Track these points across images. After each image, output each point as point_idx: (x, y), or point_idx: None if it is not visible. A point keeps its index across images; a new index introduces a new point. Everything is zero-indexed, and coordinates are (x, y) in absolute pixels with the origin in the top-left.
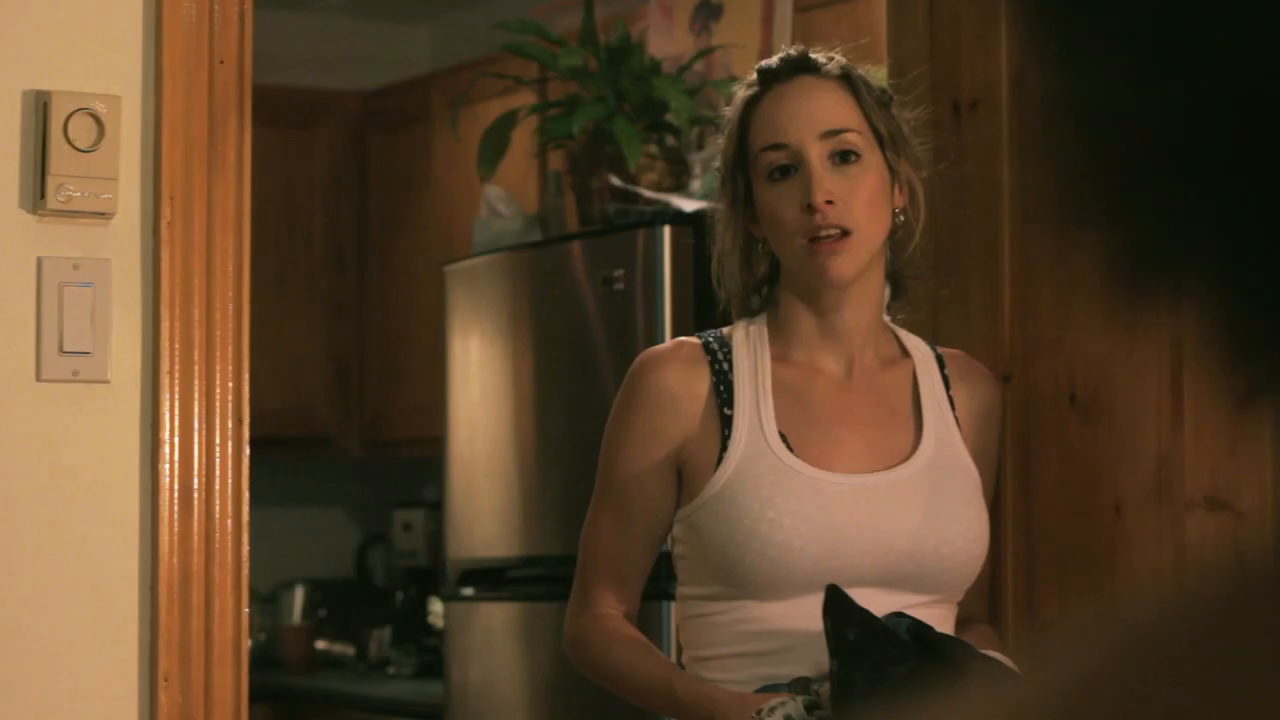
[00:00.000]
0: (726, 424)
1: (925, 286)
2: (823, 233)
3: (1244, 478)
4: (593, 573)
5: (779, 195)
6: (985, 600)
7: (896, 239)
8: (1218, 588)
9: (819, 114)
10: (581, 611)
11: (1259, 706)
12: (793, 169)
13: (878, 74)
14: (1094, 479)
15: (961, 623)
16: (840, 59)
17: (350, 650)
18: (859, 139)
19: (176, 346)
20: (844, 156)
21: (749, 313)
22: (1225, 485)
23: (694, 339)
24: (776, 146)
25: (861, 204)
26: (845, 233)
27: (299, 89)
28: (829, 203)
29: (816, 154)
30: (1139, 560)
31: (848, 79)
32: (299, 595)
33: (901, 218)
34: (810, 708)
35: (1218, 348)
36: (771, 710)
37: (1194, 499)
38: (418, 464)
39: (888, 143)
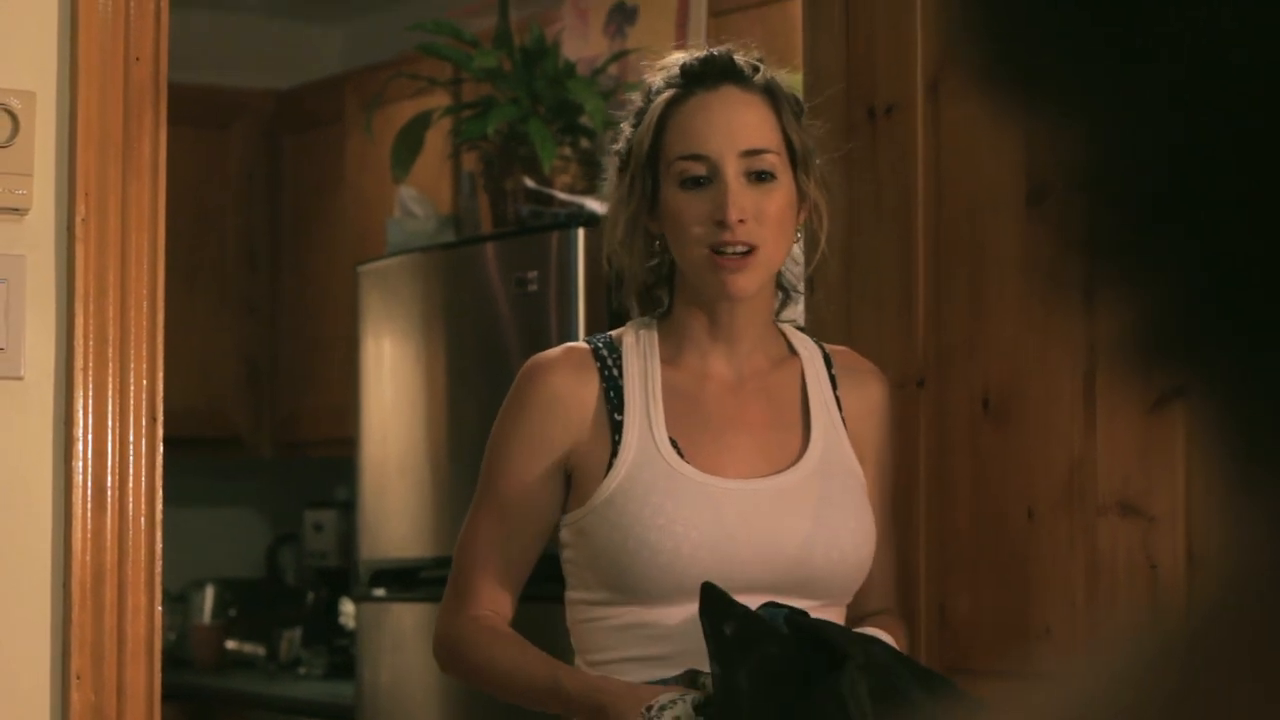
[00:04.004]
0: (617, 429)
1: (833, 295)
2: (729, 249)
3: (1156, 483)
4: (470, 575)
5: (689, 204)
6: (894, 595)
7: (805, 255)
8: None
9: (741, 131)
10: (457, 612)
11: None
12: (706, 180)
13: (792, 80)
14: (1007, 484)
15: (866, 617)
16: (765, 70)
17: (261, 650)
18: (776, 160)
19: (91, 343)
20: (759, 175)
21: (651, 310)
22: (1138, 491)
23: (583, 344)
24: (695, 157)
25: (771, 222)
26: (751, 249)
27: (213, 88)
28: (741, 221)
29: (734, 171)
30: (1051, 565)
31: (771, 93)
32: (209, 595)
33: (800, 235)
34: (700, 707)
35: (1131, 354)
36: (662, 710)
37: (1106, 504)
38: (329, 464)
39: (800, 163)
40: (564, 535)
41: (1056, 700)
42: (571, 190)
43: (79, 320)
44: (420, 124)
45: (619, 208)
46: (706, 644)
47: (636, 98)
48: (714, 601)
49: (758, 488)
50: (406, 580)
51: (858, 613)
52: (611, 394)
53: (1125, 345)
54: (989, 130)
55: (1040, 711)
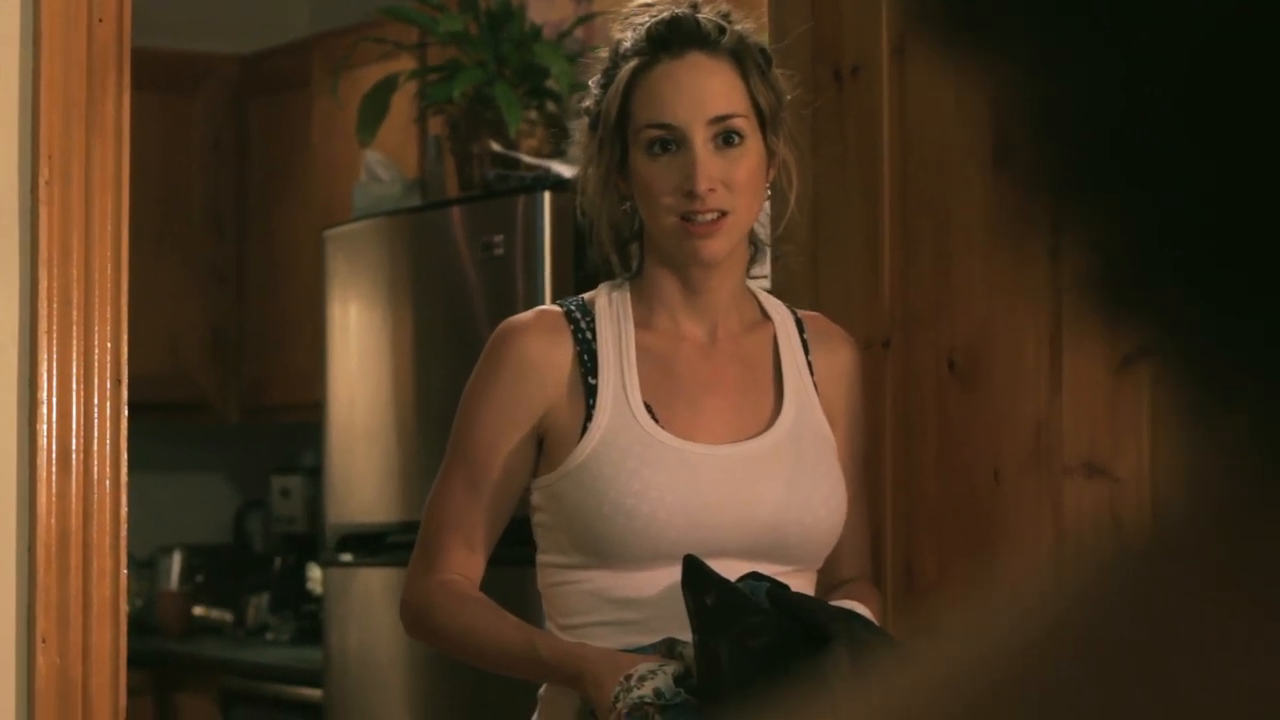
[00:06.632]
0: (590, 393)
1: (801, 254)
2: (699, 216)
3: (1122, 444)
4: (439, 537)
5: (658, 173)
6: (866, 560)
7: (772, 215)
8: (1123, 554)
9: (709, 99)
10: (425, 575)
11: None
12: (674, 145)
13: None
14: (973, 445)
15: (841, 584)
16: (731, 28)
17: (228, 616)
18: (744, 123)
19: (55, 306)
20: (727, 139)
21: (624, 270)
22: (1103, 451)
23: (555, 307)
24: (662, 126)
25: (741, 185)
26: (722, 214)
27: (177, 52)
28: (711, 190)
29: (702, 138)
30: (1017, 526)
31: (737, 56)
32: (177, 561)
33: (770, 192)
34: (679, 679)
35: (1096, 314)
36: (641, 680)
37: (1072, 465)
38: (296, 429)
39: (769, 122)
40: (536, 499)
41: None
42: (538, 154)
43: (43, 283)
44: (386, 88)
45: (589, 166)
46: (689, 617)
47: (604, 53)
48: (696, 574)
49: (732, 453)
50: (373, 545)
51: (831, 579)
52: (585, 357)
53: (1091, 305)
54: (954, 91)
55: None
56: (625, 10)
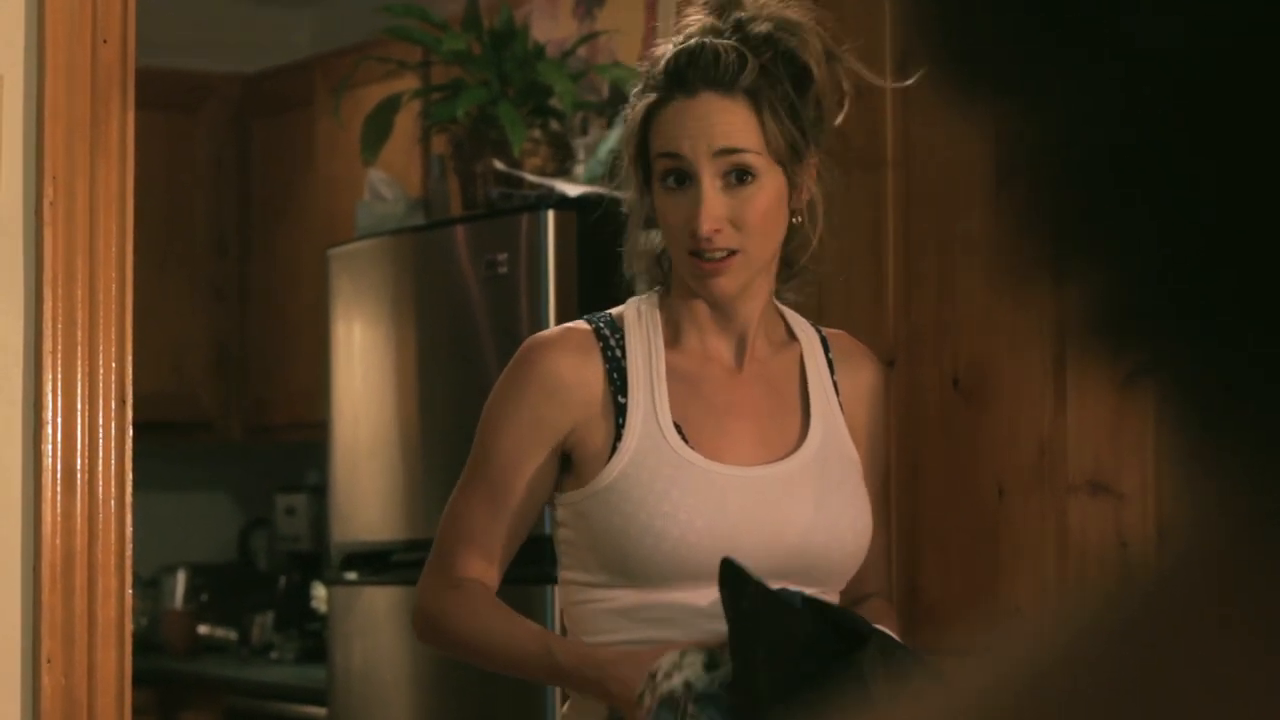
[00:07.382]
0: (620, 412)
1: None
2: (708, 254)
3: (1126, 461)
4: (456, 546)
5: (671, 206)
6: (885, 577)
7: (795, 244)
8: (1133, 577)
9: (717, 134)
10: (440, 582)
11: (1200, 691)
12: (687, 180)
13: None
14: (977, 463)
15: (858, 601)
16: (758, 59)
17: (233, 635)
18: (756, 159)
19: (59, 326)
20: (739, 176)
21: (657, 284)
22: (1107, 469)
23: (583, 324)
24: (671, 155)
25: (753, 224)
26: (731, 253)
27: (180, 71)
28: (717, 230)
29: (709, 174)
30: (1022, 543)
31: (754, 94)
32: (181, 579)
33: (798, 219)
34: (709, 666)
35: (1100, 332)
36: (668, 674)
37: (1076, 483)
38: (300, 448)
39: (788, 156)
40: (561, 515)
41: (1013, 671)
42: (541, 172)
43: (47, 303)
44: (389, 107)
45: (629, 202)
46: (726, 618)
47: (644, 67)
48: (732, 575)
49: (760, 475)
50: (378, 564)
51: (851, 596)
52: (614, 375)
53: (1094, 323)
54: (959, 127)
55: (999, 682)
56: (681, 20)
